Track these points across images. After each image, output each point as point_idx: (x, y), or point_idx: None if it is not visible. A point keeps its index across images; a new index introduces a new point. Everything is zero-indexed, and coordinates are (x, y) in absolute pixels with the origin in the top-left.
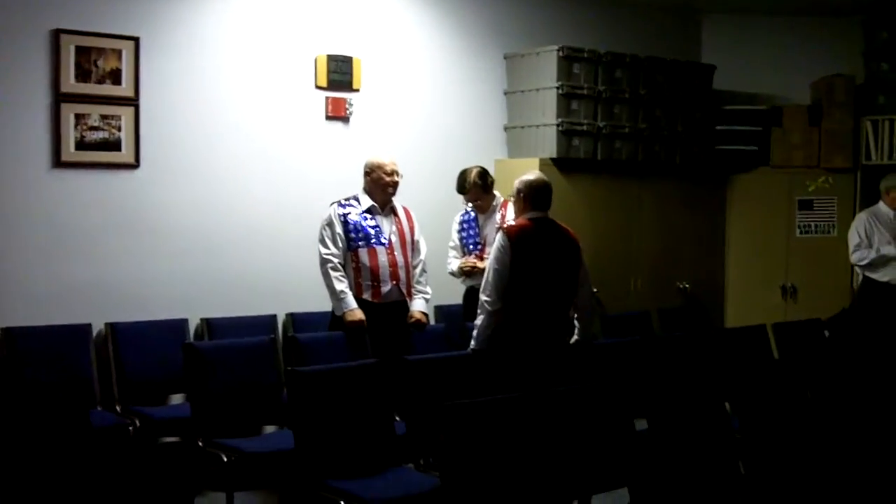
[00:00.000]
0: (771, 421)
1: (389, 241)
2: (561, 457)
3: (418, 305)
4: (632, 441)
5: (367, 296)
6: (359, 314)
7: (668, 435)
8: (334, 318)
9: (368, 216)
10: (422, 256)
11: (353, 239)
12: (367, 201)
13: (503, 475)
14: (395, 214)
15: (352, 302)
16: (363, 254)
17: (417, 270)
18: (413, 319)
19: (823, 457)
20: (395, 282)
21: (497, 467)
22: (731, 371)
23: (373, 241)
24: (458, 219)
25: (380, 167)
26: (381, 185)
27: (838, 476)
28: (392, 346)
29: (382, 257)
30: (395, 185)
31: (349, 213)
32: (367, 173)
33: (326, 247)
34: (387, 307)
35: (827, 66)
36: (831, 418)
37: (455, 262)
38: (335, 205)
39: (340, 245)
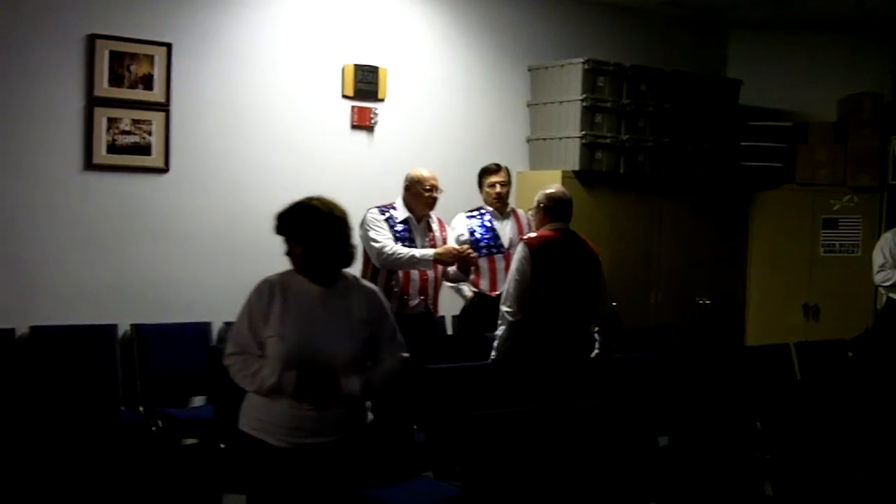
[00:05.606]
0: (797, 441)
1: None
2: (582, 470)
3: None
4: (654, 457)
5: (393, 306)
6: (450, 246)
7: (691, 452)
8: None
9: (404, 226)
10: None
11: (395, 240)
12: (403, 212)
13: (524, 487)
14: (430, 230)
15: (428, 251)
16: None
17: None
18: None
19: (849, 478)
20: (422, 297)
21: (518, 479)
22: (756, 389)
23: None
24: (463, 220)
25: (419, 182)
26: (419, 199)
27: (863, 498)
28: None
29: (414, 272)
30: (433, 199)
31: (389, 219)
32: (406, 187)
33: (377, 239)
34: (411, 318)
35: (854, 83)
36: (856, 439)
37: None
38: (375, 209)
39: (391, 236)
